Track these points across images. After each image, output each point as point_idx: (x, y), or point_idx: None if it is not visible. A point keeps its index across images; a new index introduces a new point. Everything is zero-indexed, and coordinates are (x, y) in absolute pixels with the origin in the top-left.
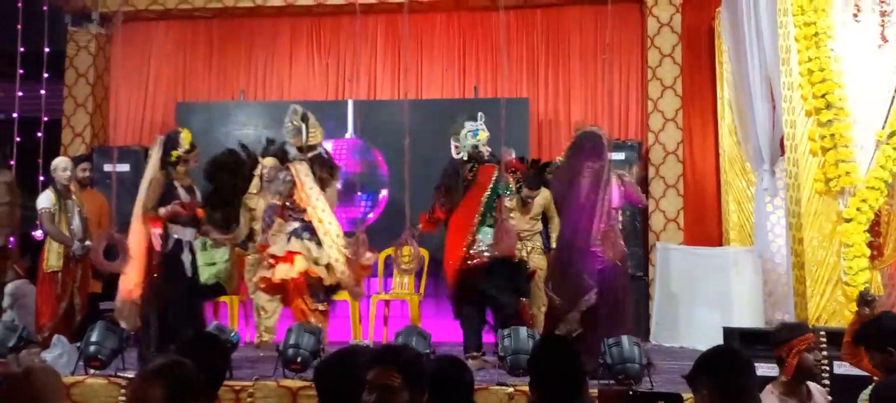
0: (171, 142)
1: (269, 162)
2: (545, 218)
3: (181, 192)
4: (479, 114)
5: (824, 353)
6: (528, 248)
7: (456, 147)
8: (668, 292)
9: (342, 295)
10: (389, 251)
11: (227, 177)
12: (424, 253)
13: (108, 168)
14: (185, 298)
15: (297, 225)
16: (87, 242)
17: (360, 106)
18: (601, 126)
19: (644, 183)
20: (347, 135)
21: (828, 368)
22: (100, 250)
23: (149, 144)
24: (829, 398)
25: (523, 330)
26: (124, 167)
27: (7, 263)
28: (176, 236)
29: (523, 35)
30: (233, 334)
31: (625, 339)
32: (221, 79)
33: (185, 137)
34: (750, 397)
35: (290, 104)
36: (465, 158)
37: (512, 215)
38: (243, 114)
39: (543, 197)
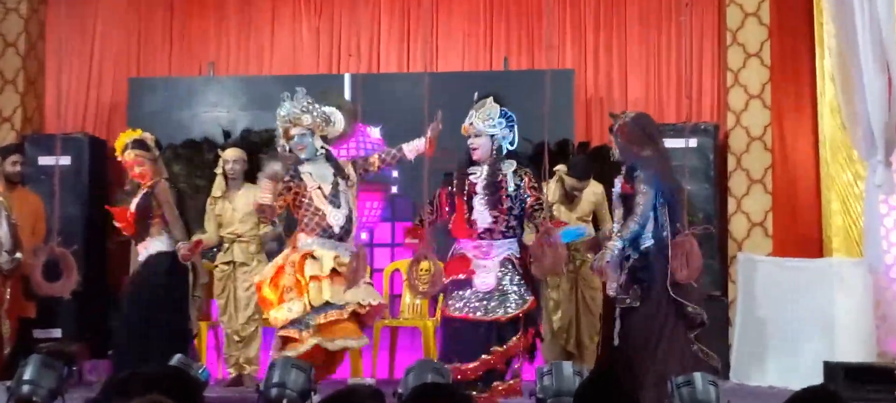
0: None
1: (231, 154)
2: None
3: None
4: (474, 97)
5: None
6: (577, 262)
7: None
8: (754, 317)
9: None
10: (397, 265)
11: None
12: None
13: (45, 161)
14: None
15: None
16: (18, 254)
17: (359, 81)
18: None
19: (721, 178)
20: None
21: None
22: (38, 268)
23: (95, 131)
24: None
25: (568, 366)
26: (65, 160)
27: None
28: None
29: None
30: (201, 370)
31: (698, 377)
32: (185, 49)
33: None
34: None
35: (270, 79)
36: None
37: (555, 213)
38: (213, 92)
39: (594, 192)
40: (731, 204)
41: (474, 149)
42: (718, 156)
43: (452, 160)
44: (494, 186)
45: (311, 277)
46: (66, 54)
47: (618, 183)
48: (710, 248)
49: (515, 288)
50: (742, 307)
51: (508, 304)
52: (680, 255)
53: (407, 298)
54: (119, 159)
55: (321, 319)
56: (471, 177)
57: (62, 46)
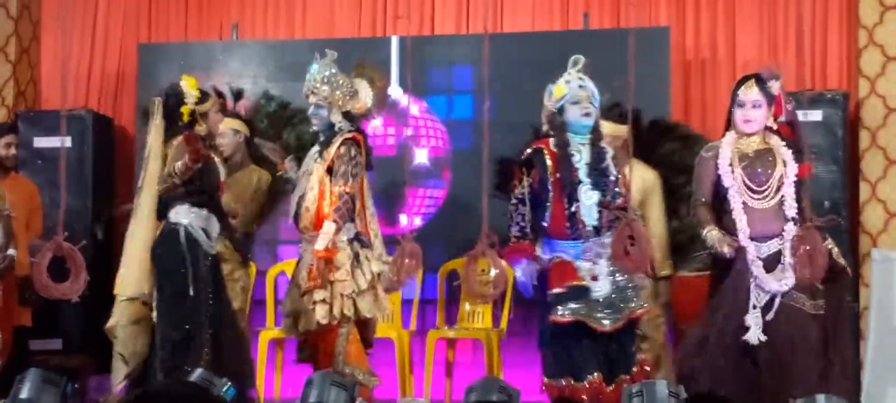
0: (174, 100)
1: (231, 124)
2: None
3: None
4: (574, 58)
5: None
6: None
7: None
8: (891, 328)
9: (385, 332)
10: (453, 264)
11: None
12: (509, 270)
13: (41, 143)
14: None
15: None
16: (11, 251)
17: (408, 45)
18: (778, 69)
19: (853, 158)
20: (391, 89)
21: None
22: (43, 265)
23: (100, 108)
24: None
25: (663, 386)
26: (65, 141)
27: None
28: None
29: None
30: (225, 388)
31: (822, 399)
32: (204, 9)
33: (188, 85)
34: None
35: (304, 44)
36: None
37: None
38: (237, 58)
39: (642, 177)
40: (864, 190)
41: (588, 115)
42: (848, 132)
43: (524, 137)
44: (601, 171)
45: None
46: (66, 16)
47: (789, 158)
48: (837, 244)
49: (635, 284)
50: (877, 316)
51: (639, 298)
52: (802, 252)
53: (466, 305)
54: (195, 100)
55: None
56: (573, 158)
57: (60, 7)
